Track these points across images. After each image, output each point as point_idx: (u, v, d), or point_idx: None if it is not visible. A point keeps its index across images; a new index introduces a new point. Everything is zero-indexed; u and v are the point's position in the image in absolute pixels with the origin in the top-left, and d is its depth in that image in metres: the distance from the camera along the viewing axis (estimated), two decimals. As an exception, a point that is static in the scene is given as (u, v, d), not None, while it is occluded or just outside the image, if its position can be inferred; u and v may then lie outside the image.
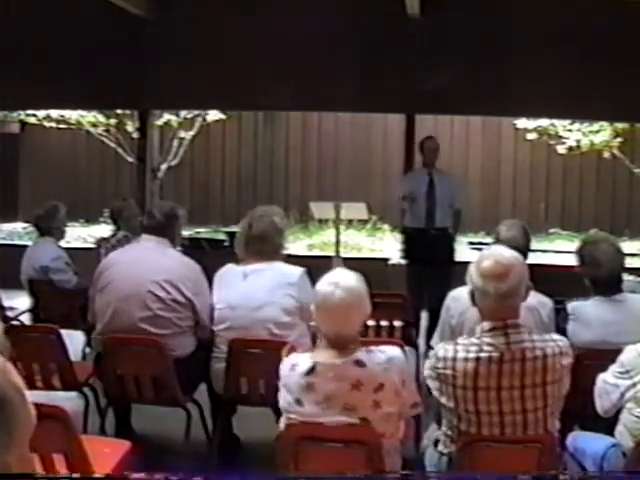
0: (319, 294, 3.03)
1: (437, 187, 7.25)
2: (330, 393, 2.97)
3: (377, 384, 2.97)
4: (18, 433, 1.25)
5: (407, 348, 4.38)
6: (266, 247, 4.41)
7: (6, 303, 6.00)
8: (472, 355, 2.99)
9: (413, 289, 6.95)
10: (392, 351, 3.09)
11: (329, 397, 2.97)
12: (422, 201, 7.22)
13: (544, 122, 12.36)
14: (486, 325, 3.04)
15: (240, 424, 4.69)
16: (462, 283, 4.22)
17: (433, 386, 3.09)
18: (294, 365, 3.07)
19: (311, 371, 3.00)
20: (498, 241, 4.24)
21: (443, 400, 3.07)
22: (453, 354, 3.02)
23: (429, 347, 5.69)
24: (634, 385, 3.19)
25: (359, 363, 2.99)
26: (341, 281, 3.01)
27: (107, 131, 12.99)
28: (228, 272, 4.46)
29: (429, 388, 3.16)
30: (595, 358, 3.61)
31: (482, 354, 2.99)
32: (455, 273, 6.81)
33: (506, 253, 3.11)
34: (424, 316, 6.79)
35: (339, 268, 3.21)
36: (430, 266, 7.00)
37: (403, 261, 7.52)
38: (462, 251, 7.57)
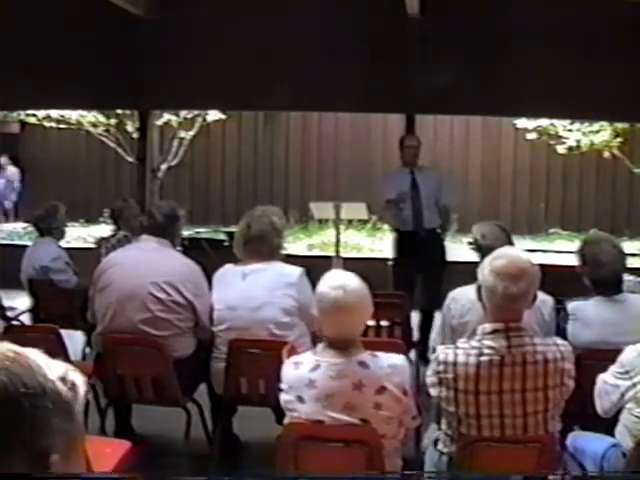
0: (322, 296, 3.03)
1: (421, 186, 6.94)
2: (331, 391, 2.97)
3: (379, 387, 2.97)
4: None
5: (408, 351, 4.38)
6: (264, 247, 4.41)
7: (6, 303, 6.00)
8: (473, 359, 2.98)
9: (402, 290, 6.79)
10: (397, 359, 3.09)
11: (330, 395, 2.97)
12: (407, 203, 6.91)
13: (544, 122, 12.37)
14: (488, 327, 3.03)
15: (240, 424, 4.69)
16: (456, 283, 4.24)
17: (434, 392, 3.08)
18: (297, 363, 3.08)
19: (315, 368, 3.00)
20: (477, 244, 4.25)
21: (444, 404, 3.07)
22: (454, 358, 3.01)
23: (423, 346, 5.69)
24: (634, 385, 3.19)
25: (363, 364, 2.99)
26: (344, 283, 3.01)
27: (107, 131, 13.01)
28: (227, 272, 4.46)
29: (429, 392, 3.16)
30: (595, 358, 3.61)
31: (483, 357, 2.98)
32: (447, 273, 6.80)
33: (523, 256, 3.10)
34: (415, 316, 6.74)
35: (338, 269, 3.21)
36: (421, 267, 6.84)
37: (391, 262, 7.29)
38: (462, 251, 7.50)
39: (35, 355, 1.24)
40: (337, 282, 3.03)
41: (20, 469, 1.17)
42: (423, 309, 6.70)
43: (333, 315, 3.01)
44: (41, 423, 1.20)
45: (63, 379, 1.25)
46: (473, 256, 4.33)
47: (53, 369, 1.24)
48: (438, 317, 4.36)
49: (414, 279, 6.82)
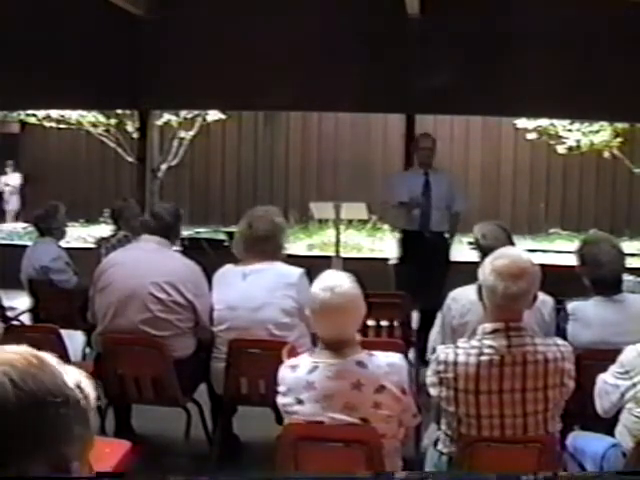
0: (312, 298, 3.04)
1: (433, 188, 6.92)
2: (330, 392, 2.97)
3: (378, 386, 2.97)
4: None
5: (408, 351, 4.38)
6: (269, 247, 4.41)
7: (6, 303, 5.99)
8: (473, 359, 2.98)
9: (404, 290, 6.77)
10: (395, 358, 3.09)
11: (329, 396, 2.97)
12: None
13: (544, 122, 12.37)
14: (488, 327, 3.03)
15: (240, 424, 4.69)
16: (457, 283, 4.24)
17: (435, 392, 3.08)
18: (294, 366, 3.08)
19: (312, 370, 3.00)
20: (477, 244, 4.25)
21: (444, 404, 3.07)
22: (454, 358, 3.01)
23: (422, 347, 5.68)
24: (634, 385, 3.19)
25: (360, 364, 2.99)
26: (333, 284, 3.00)
27: (107, 131, 13.01)
28: (227, 272, 4.45)
29: (429, 392, 3.16)
30: (595, 358, 3.61)
31: (483, 357, 2.98)
32: (449, 275, 6.80)
33: (524, 255, 3.11)
34: (414, 317, 6.74)
35: (331, 270, 3.21)
36: (424, 268, 6.83)
37: (394, 260, 7.26)
38: (462, 251, 7.49)
39: (53, 360, 1.26)
40: (326, 284, 3.02)
41: (41, 475, 1.18)
42: (424, 309, 6.69)
43: (322, 316, 3.01)
44: (64, 430, 1.21)
45: (79, 386, 1.26)
46: (473, 256, 4.33)
47: (70, 375, 1.25)
48: (439, 317, 4.36)
49: (416, 279, 6.80)
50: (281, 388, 3.09)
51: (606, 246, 4.04)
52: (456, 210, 7.07)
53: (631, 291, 4.32)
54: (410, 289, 6.26)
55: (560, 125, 12.49)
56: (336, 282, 3.02)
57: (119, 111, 12.24)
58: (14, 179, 16.40)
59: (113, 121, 12.79)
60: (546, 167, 14.32)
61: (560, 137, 12.72)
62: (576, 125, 12.41)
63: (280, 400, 3.09)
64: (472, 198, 13.89)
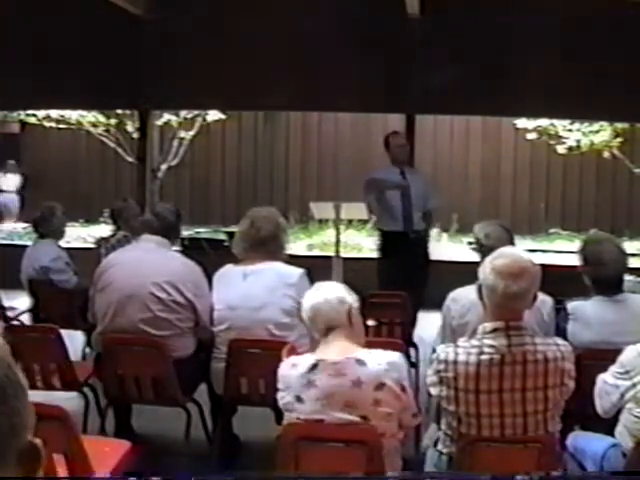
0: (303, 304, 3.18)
1: (412, 187, 6.91)
2: (331, 390, 2.98)
3: (377, 383, 2.98)
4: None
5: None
6: (272, 247, 4.43)
7: (6, 303, 6.00)
8: (473, 358, 2.98)
9: (387, 289, 6.73)
10: (394, 356, 3.10)
11: (330, 394, 2.98)
12: (397, 203, 6.90)
13: (544, 122, 12.36)
14: (488, 326, 3.03)
15: (240, 424, 4.69)
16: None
17: (435, 392, 3.08)
18: (294, 364, 3.09)
19: (312, 368, 3.01)
20: (479, 244, 4.24)
21: (444, 404, 3.07)
22: (454, 357, 3.01)
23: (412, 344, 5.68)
24: (634, 385, 3.19)
25: (360, 362, 3.01)
26: (323, 291, 3.14)
27: (107, 131, 13.00)
28: (228, 272, 4.46)
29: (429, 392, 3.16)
30: (595, 358, 3.61)
31: (483, 356, 2.98)
32: (430, 273, 6.84)
33: (524, 255, 3.11)
34: None
35: (324, 282, 3.31)
36: (406, 268, 6.72)
37: (376, 261, 7.26)
38: (462, 251, 7.49)
39: None
40: (317, 290, 3.17)
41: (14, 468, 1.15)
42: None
43: (315, 317, 3.13)
44: (27, 417, 1.17)
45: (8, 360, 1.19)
46: (473, 256, 4.33)
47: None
48: (437, 318, 4.35)
49: (400, 278, 6.78)
50: (281, 386, 3.10)
51: (609, 245, 4.04)
52: (429, 208, 7.11)
53: (631, 291, 4.32)
54: (395, 288, 6.25)
55: (560, 125, 12.49)
56: (327, 290, 3.14)
57: (119, 111, 12.24)
58: (12, 181, 16.04)
59: (113, 121, 12.78)
60: (546, 167, 14.31)
61: (560, 137, 12.71)
62: (576, 125, 12.40)
63: (280, 398, 3.10)
64: (472, 198, 13.91)
